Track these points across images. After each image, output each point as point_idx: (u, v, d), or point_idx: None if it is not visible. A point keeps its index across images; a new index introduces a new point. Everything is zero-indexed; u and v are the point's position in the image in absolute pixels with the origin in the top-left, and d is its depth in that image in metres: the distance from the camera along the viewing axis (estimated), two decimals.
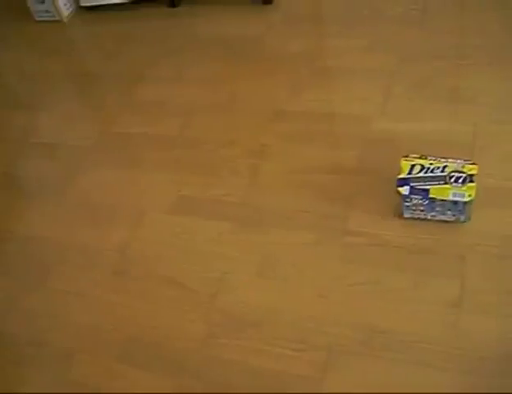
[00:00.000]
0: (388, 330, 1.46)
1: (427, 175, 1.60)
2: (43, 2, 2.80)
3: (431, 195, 1.57)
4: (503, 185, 1.68)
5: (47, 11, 2.84)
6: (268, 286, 1.62)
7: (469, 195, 1.54)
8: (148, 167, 2.02)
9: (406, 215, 1.65)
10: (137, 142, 2.11)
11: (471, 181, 1.56)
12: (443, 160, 1.62)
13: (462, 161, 1.61)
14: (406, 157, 1.64)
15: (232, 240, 1.73)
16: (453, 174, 1.58)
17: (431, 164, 1.62)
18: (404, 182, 1.60)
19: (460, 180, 1.57)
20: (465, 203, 1.55)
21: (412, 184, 1.59)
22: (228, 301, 1.61)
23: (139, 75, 2.40)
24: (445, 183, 1.57)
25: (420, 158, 1.64)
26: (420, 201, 1.59)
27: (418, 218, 1.64)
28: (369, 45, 2.21)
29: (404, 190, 1.59)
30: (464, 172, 1.58)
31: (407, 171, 1.61)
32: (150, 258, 1.77)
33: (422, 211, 1.62)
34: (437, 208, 1.60)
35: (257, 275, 1.64)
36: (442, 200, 1.57)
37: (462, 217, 1.60)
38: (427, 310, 1.48)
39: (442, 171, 1.60)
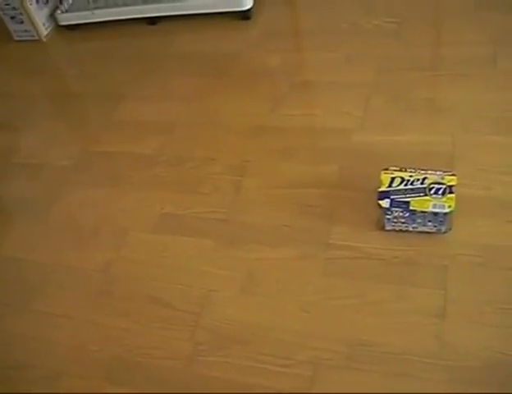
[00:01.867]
0: (373, 343, 1.47)
1: (407, 187, 1.62)
2: (21, 22, 2.80)
3: (411, 207, 1.59)
4: (482, 195, 1.70)
5: (25, 31, 2.84)
6: (253, 302, 1.62)
7: (449, 206, 1.56)
8: (131, 186, 2.02)
9: (388, 227, 1.67)
10: (119, 161, 2.11)
11: (451, 192, 1.58)
12: (423, 172, 1.64)
13: (441, 172, 1.63)
14: (386, 170, 1.66)
15: (216, 258, 1.74)
16: (433, 186, 1.60)
17: (410, 176, 1.64)
18: (384, 195, 1.61)
19: (440, 192, 1.58)
20: (445, 214, 1.57)
21: (392, 197, 1.61)
22: (213, 319, 1.61)
23: (119, 93, 2.40)
24: (425, 195, 1.59)
25: (400, 170, 1.66)
26: (401, 213, 1.61)
27: (400, 230, 1.65)
28: (347, 58, 2.23)
29: (385, 202, 1.60)
30: (443, 184, 1.60)
31: (387, 184, 1.63)
32: (134, 277, 1.77)
33: (403, 223, 1.64)
34: (418, 220, 1.61)
35: (241, 292, 1.65)
36: (423, 212, 1.58)
37: (443, 228, 1.62)
38: (411, 322, 1.49)
39: (422, 183, 1.61)
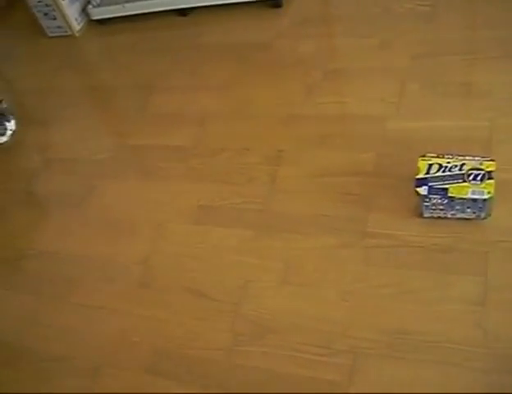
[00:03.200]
0: (413, 331, 1.46)
1: (445, 174, 1.60)
2: (54, 19, 2.82)
3: (450, 194, 1.57)
4: None
5: (58, 27, 2.87)
6: (292, 292, 1.62)
7: (488, 192, 1.54)
8: (166, 178, 2.03)
9: (426, 215, 1.65)
10: (154, 153, 2.13)
11: (490, 178, 1.55)
12: (460, 158, 1.62)
13: (480, 158, 1.60)
14: (423, 156, 1.64)
15: (254, 248, 1.74)
16: (471, 172, 1.58)
17: (448, 163, 1.61)
18: (422, 182, 1.60)
19: (479, 178, 1.56)
20: (485, 200, 1.54)
21: (430, 183, 1.59)
22: (252, 309, 1.62)
23: (151, 86, 2.41)
24: (464, 181, 1.57)
25: (437, 156, 1.63)
26: (439, 200, 1.59)
27: (438, 217, 1.64)
28: (381, 44, 2.20)
29: (423, 190, 1.59)
30: (482, 169, 1.57)
31: (425, 171, 1.61)
32: (172, 269, 1.78)
33: (441, 210, 1.62)
34: (457, 207, 1.59)
35: (280, 281, 1.65)
36: (461, 199, 1.56)
37: (482, 214, 1.60)
38: (452, 309, 1.48)
39: (460, 170, 1.59)
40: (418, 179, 1.61)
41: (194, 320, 1.65)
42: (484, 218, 1.61)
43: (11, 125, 2.27)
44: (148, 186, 2.04)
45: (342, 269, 1.63)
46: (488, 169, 1.57)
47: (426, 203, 1.61)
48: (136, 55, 2.63)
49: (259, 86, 2.24)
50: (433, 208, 1.62)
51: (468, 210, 1.59)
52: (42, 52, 2.87)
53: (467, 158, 1.62)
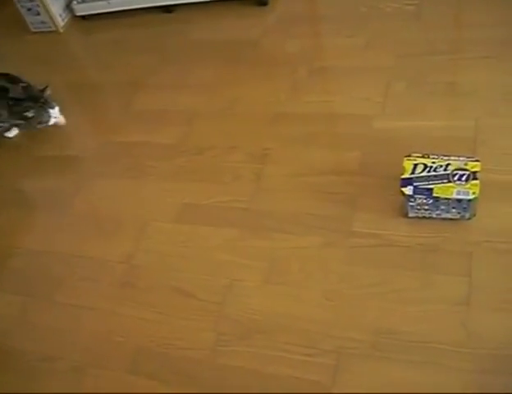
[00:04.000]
0: (397, 331, 1.46)
1: (430, 174, 1.60)
2: (38, 14, 2.80)
3: (435, 194, 1.57)
4: (507, 180, 1.67)
5: (42, 22, 2.85)
6: (276, 291, 1.62)
7: (473, 193, 1.54)
8: (152, 176, 2.02)
9: (411, 214, 1.65)
10: (139, 151, 2.11)
11: (474, 178, 1.56)
12: (446, 158, 1.62)
13: (465, 158, 1.61)
14: (408, 156, 1.64)
15: (239, 247, 1.74)
16: (456, 172, 1.58)
17: (433, 163, 1.62)
18: (407, 182, 1.60)
19: (464, 178, 1.56)
20: (470, 200, 1.55)
21: (415, 183, 1.59)
22: (236, 309, 1.61)
23: (138, 83, 2.40)
24: (449, 181, 1.57)
25: (423, 156, 1.64)
26: (424, 200, 1.59)
27: (423, 217, 1.64)
28: (367, 43, 2.21)
29: (408, 190, 1.59)
30: (467, 170, 1.58)
31: (410, 171, 1.61)
32: (157, 268, 1.77)
33: (426, 210, 1.62)
34: (442, 207, 1.59)
35: (265, 281, 1.64)
36: (446, 199, 1.56)
37: (467, 215, 1.60)
38: (436, 309, 1.48)
39: (445, 170, 1.59)
40: (404, 179, 1.61)
41: (178, 320, 1.64)
42: (469, 219, 1.61)
43: (55, 112, 2.23)
44: (134, 184, 2.03)
45: (327, 269, 1.62)
46: (473, 169, 1.57)
47: (411, 203, 1.61)
48: (121, 52, 2.62)
49: (246, 84, 2.24)
50: (418, 208, 1.62)
51: (453, 210, 1.60)
52: (25, 47, 2.86)
53: (452, 158, 1.62)
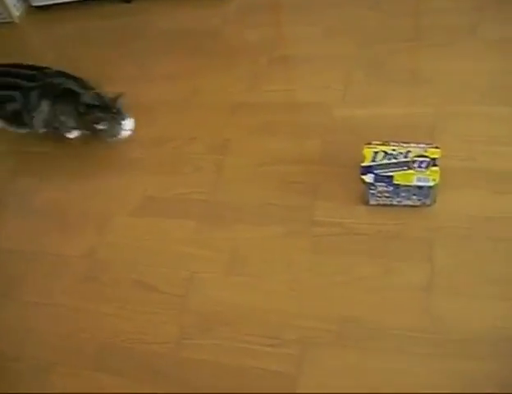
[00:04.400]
0: (361, 319, 1.47)
1: (390, 161, 1.60)
2: None
3: (395, 182, 1.57)
4: (466, 165, 1.69)
5: None
6: (239, 282, 1.61)
7: (433, 180, 1.55)
8: (113, 170, 1.99)
9: (372, 202, 1.65)
10: (100, 144, 2.07)
11: (434, 165, 1.56)
12: (406, 145, 1.62)
13: (425, 145, 1.61)
14: (369, 144, 1.64)
15: (200, 239, 1.72)
16: (416, 159, 1.58)
17: (394, 150, 1.62)
18: (367, 170, 1.60)
19: (424, 165, 1.57)
20: (430, 187, 1.55)
21: (376, 171, 1.59)
22: (199, 301, 1.60)
23: (98, 76, 2.34)
24: (409, 168, 1.57)
25: (383, 144, 1.64)
26: (385, 188, 1.59)
27: (385, 205, 1.64)
28: (327, 31, 2.20)
29: (369, 177, 1.59)
30: (427, 157, 1.58)
31: (370, 159, 1.61)
32: (119, 262, 1.75)
33: (387, 197, 1.62)
34: (403, 194, 1.60)
35: (227, 272, 1.63)
36: (407, 186, 1.57)
37: (427, 201, 1.61)
38: (399, 296, 1.48)
39: (405, 157, 1.60)
40: (364, 167, 1.60)
41: (141, 314, 1.62)
42: (430, 205, 1.62)
43: (128, 124, 1.97)
44: (94, 178, 1.99)
45: (289, 258, 1.62)
46: (433, 156, 1.58)
47: (372, 191, 1.62)
48: (80, 43, 2.56)
49: (207, 74, 2.21)
50: (379, 195, 1.62)
51: (414, 197, 1.60)
52: None
53: (412, 145, 1.62)
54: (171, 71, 2.28)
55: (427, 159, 1.58)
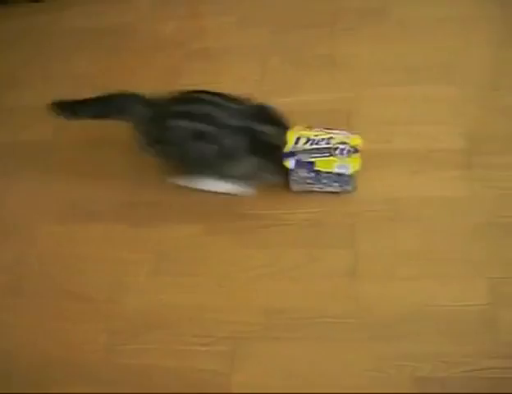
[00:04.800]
0: (289, 309, 1.47)
1: (312, 147, 1.59)
2: None
3: (316, 168, 1.57)
4: (386, 149, 1.71)
5: None
6: (166, 283, 1.58)
7: (353, 167, 1.55)
8: (32, 177, 1.92)
9: (294, 188, 1.65)
10: (12, 150, 2.00)
11: (355, 152, 1.57)
12: (328, 131, 1.62)
13: (346, 132, 1.61)
14: (291, 129, 1.62)
15: (124, 241, 1.68)
16: (337, 145, 1.58)
17: (316, 136, 1.61)
18: (289, 155, 1.58)
19: (345, 152, 1.57)
20: (350, 174, 1.56)
21: (297, 157, 1.58)
22: (128, 305, 1.56)
23: (9, 78, 2.27)
24: (331, 155, 1.57)
25: (306, 129, 1.62)
26: (307, 174, 1.59)
27: (307, 191, 1.64)
28: (242, 21, 2.18)
29: (290, 163, 1.58)
30: (347, 143, 1.58)
31: (292, 143, 1.59)
32: (44, 272, 1.69)
33: (309, 184, 1.62)
34: (324, 180, 1.60)
35: (153, 273, 1.60)
36: (328, 173, 1.57)
37: (349, 188, 1.62)
38: (325, 284, 1.49)
39: (327, 143, 1.59)
40: (286, 152, 1.59)
41: (69, 323, 1.57)
42: (351, 191, 1.63)
43: None
44: (12, 186, 1.93)
45: (216, 254, 1.60)
46: (354, 143, 1.58)
47: (293, 177, 1.61)
48: None
49: (123, 72, 2.15)
50: (301, 181, 1.62)
51: (335, 184, 1.61)
52: None
53: (334, 131, 1.62)
54: (86, 69, 2.21)
55: (348, 146, 1.58)
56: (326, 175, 1.58)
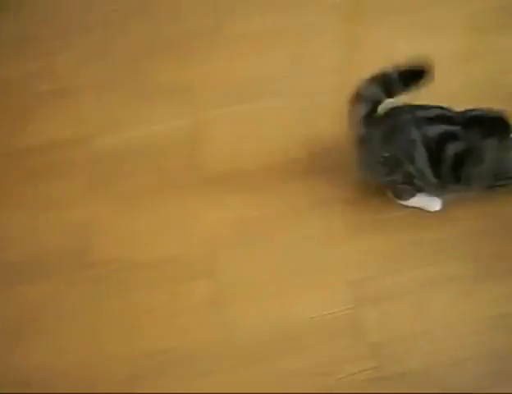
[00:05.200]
0: (157, 351, 1.42)
1: None
2: None
3: None
4: (234, 167, 1.71)
5: None
6: (45, 346, 1.48)
7: None
8: None
9: None
10: None
11: None
12: None
13: None
14: None
15: None
16: None
17: None
18: None
19: None
20: None
21: None
22: None
23: None
24: None
25: None
26: None
27: None
28: (82, 59, 2.09)
29: None
30: None
31: None
32: None
33: None
34: None
35: (15, 345, 1.49)
36: None
37: None
38: (191, 318, 1.46)
39: None
40: None
41: None
42: None
43: None
44: None
45: (73, 311, 1.51)
46: None
47: None
48: None
49: None
50: None
51: None
52: None
53: None
54: None
55: None
56: None
